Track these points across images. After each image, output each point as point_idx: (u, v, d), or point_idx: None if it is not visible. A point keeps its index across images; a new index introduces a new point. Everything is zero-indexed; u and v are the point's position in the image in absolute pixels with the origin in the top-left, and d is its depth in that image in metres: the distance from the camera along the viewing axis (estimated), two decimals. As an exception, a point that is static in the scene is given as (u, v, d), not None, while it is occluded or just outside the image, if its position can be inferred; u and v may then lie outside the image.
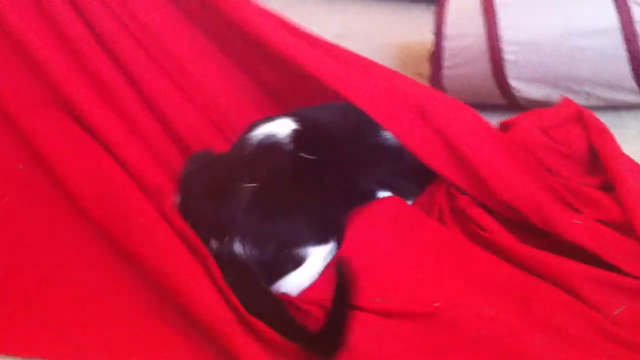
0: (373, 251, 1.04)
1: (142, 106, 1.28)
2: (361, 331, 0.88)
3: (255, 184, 1.00)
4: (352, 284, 0.89)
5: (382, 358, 0.87)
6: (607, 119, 1.45)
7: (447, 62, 1.55)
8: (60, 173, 1.14)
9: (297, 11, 1.50)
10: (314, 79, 1.23)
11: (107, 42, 1.28)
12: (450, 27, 1.54)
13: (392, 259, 1.03)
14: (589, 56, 1.44)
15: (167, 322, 0.96)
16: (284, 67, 1.28)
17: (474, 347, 0.87)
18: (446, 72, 1.56)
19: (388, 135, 1.15)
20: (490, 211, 1.12)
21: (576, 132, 1.27)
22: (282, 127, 1.09)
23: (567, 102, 1.38)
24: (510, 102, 1.55)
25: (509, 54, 1.47)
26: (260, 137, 1.08)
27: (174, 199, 1.08)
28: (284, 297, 0.95)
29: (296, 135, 1.07)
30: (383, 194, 1.15)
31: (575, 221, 1.04)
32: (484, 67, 1.50)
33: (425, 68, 1.67)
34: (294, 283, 0.97)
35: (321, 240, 1.00)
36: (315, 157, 1.04)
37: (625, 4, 1.40)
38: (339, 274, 0.89)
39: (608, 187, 1.13)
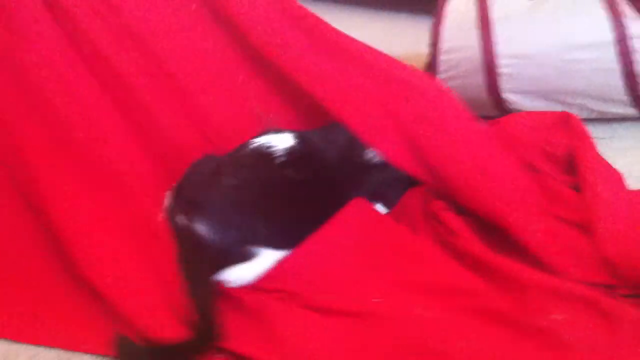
0: (324, 252, 1.09)
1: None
2: (290, 325, 0.95)
3: (235, 182, 1.09)
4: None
5: (308, 352, 0.91)
6: (599, 130, 1.47)
7: (442, 74, 1.56)
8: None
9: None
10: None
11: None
12: (446, 40, 1.55)
13: (341, 260, 1.08)
14: (583, 69, 1.45)
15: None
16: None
17: (399, 347, 0.90)
18: (441, 84, 1.58)
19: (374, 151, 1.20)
20: (468, 214, 1.14)
21: (560, 135, 1.32)
22: (281, 141, 1.15)
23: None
24: (504, 114, 1.56)
25: (504, 67, 1.48)
26: (258, 144, 1.15)
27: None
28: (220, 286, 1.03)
29: (291, 152, 1.13)
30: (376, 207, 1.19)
31: (537, 225, 1.09)
32: (478, 79, 1.51)
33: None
34: (237, 275, 1.05)
35: (276, 246, 1.07)
36: (300, 177, 1.12)
37: (620, 19, 1.42)
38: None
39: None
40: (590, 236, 1.06)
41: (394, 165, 1.19)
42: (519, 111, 1.53)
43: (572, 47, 1.45)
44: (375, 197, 1.19)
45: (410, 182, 1.21)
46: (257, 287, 1.04)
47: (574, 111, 1.49)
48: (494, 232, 1.10)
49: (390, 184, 1.22)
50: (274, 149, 1.13)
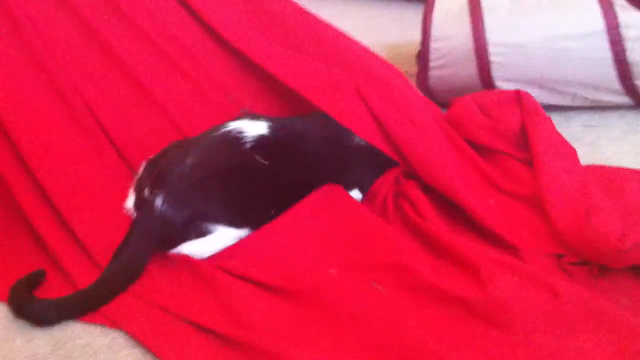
0: (286, 233, 1.12)
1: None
2: (239, 298, 0.98)
3: (197, 161, 1.12)
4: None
5: (255, 323, 0.94)
6: (592, 119, 1.46)
7: (433, 62, 1.56)
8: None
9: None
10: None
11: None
12: (437, 29, 1.55)
13: (301, 240, 1.11)
14: (575, 58, 1.45)
15: None
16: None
17: (336, 321, 0.94)
18: (432, 73, 1.58)
19: (355, 139, 1.23)
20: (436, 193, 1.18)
21: (512, 112, 1.36)
22: (253, 128, 1.17)
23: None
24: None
25: (496, 55, 1.48)
26: (229, 128, 1.17)
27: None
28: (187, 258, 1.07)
29: (260, 140, 1.15)
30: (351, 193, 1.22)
31: (490, 201, 1.14)
32: (470, 68, 1.51)
33: (414, 68, 1.68)
34: (192, 250, 1.09)
35: (232, 224, 1.11)
36: (266, 162, 1.13)
37: (610, 7, 1.41)
38: None
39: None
40: (541, 209, 1.12)
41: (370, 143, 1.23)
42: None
43: (563, 36, 1.45)
44: (351, 184, 1.22)
45: (387, 167, 1.24)
46: (215, 262, 1.07)
47: (567, 100, 1.51)
48: (459, 209, 1.14)
49: (367, 171, 1.24)
50: (244, 134, 1.15)
